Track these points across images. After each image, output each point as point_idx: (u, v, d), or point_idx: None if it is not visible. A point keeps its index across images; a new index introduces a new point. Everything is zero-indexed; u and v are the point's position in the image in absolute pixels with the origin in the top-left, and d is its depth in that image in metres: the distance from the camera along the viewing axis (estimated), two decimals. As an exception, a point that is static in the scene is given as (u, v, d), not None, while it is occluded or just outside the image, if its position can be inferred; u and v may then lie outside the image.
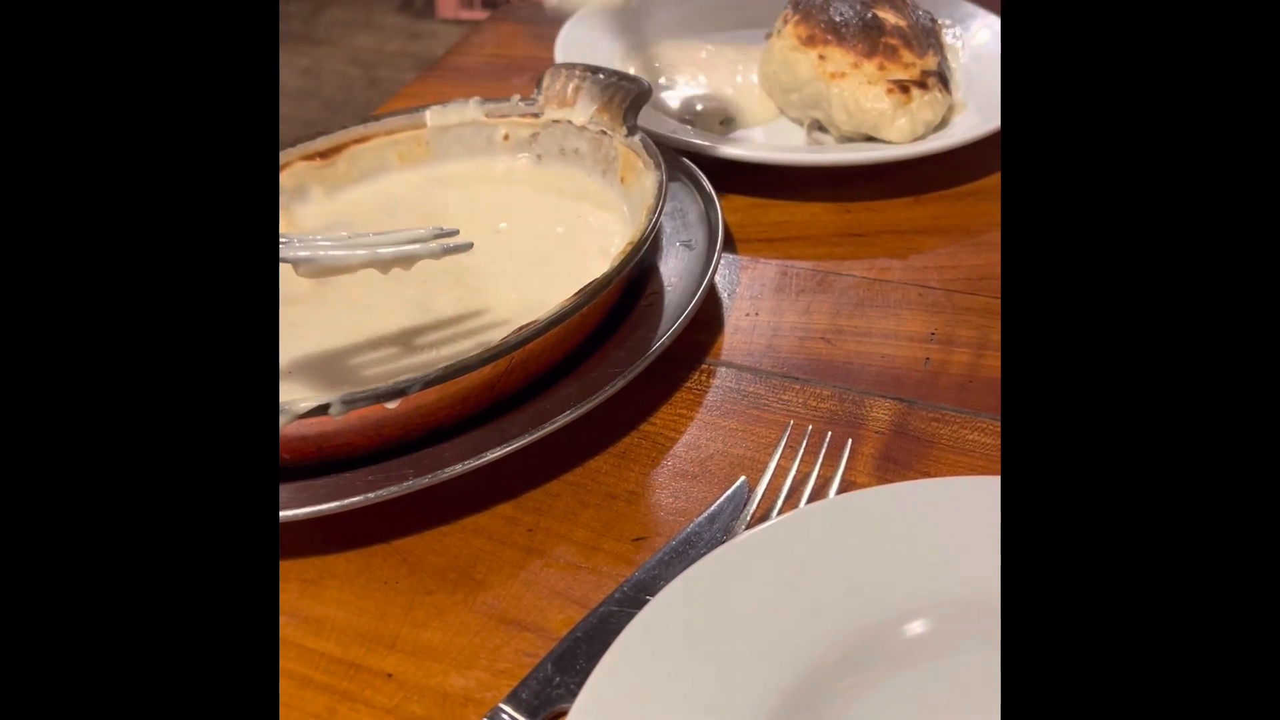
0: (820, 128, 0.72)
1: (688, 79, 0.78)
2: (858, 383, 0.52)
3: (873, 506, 0.40)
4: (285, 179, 0.61)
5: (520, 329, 0.45)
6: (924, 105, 0.68)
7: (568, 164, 0.63)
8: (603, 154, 0.61)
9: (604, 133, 0.60)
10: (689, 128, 0.72)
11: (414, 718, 0.38)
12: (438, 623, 0.41)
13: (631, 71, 0.72)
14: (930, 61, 0.70)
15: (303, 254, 0.46)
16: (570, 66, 0.65)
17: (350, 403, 0.42)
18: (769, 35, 0.75)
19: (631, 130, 0.60)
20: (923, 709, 0.36)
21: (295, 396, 0.42)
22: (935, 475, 0.46)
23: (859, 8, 0.71)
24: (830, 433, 0.48)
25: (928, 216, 0.65)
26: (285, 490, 0.43)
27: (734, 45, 0.81)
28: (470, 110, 0.64)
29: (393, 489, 0.43)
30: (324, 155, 0.62)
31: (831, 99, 0.69)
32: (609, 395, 0.47)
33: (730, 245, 0.63)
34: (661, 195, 0.54)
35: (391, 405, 0.43)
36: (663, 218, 0.57)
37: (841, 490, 0.45)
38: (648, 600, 0.37)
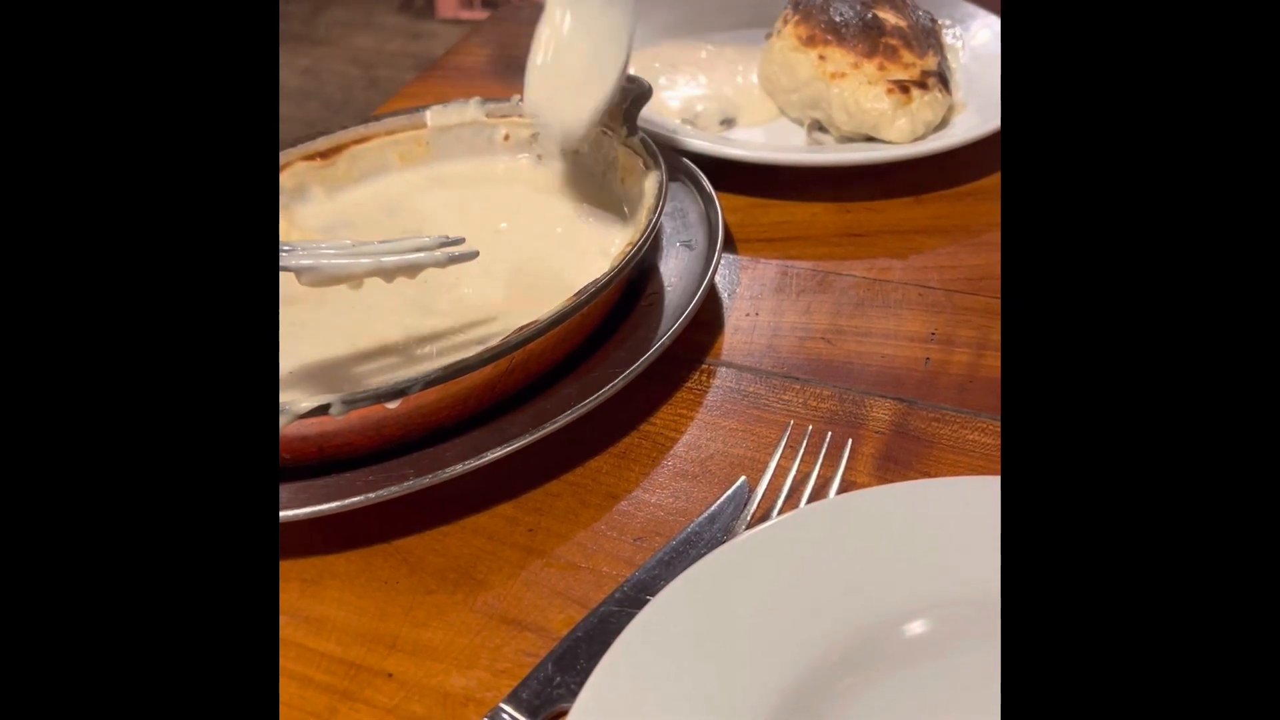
0: (820, 128, 0.72)
1: (688, 79, 0.78)
2: (858, 383, 0.52)
3: (873, 506, 0.40)
4: (286, 179, 0.61)
5: (521, 329, 0.45)
6: (924, 105, 0.68)
7: (568, 164, 0.63)
8: (603, 154, 0.61)
9: (604, 133, 0.60)
10: (689, 128, 0.72)
11: (415, 717, 0.38)
12: (438, 622, 0.41)
13: (631, 71, 0.72)
14: (930, 62, 0.70)
15: (306, 262, 0.46)
16: (570, 66, 0.65)
17: (351, 403, 0.42)
18: (769, 35, 0.76)
19: (631, 130, 0.60)
20: (923, 709, 0.36)
21: (295, 396, 0.42)
22: (935, 475, 0.46)
23: (859, 8, 0.71)
24: (830, 433, 0.48)
25: (928, 216, 0.65)
26: (285, 490, 0.43)
27: (734, 45, 0.81)
28: (471, 110, 0.64)
29: (393, 489, 0.43)
30: (324, 155, 0.62)
31: (831, 99, 0.69)
32: (609, 395, 0.47)
33: (730, 245, 0.63)
34: (661, 195, 0.54)
35: (392, 405, 0.43)
36: (663, 218, 0.57)
37: (841, 490, 0.45)
38: (648, 600, 0.37)
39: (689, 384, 0.52)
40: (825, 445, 0.47)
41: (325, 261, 0.46)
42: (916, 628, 0.37)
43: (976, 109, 0.71)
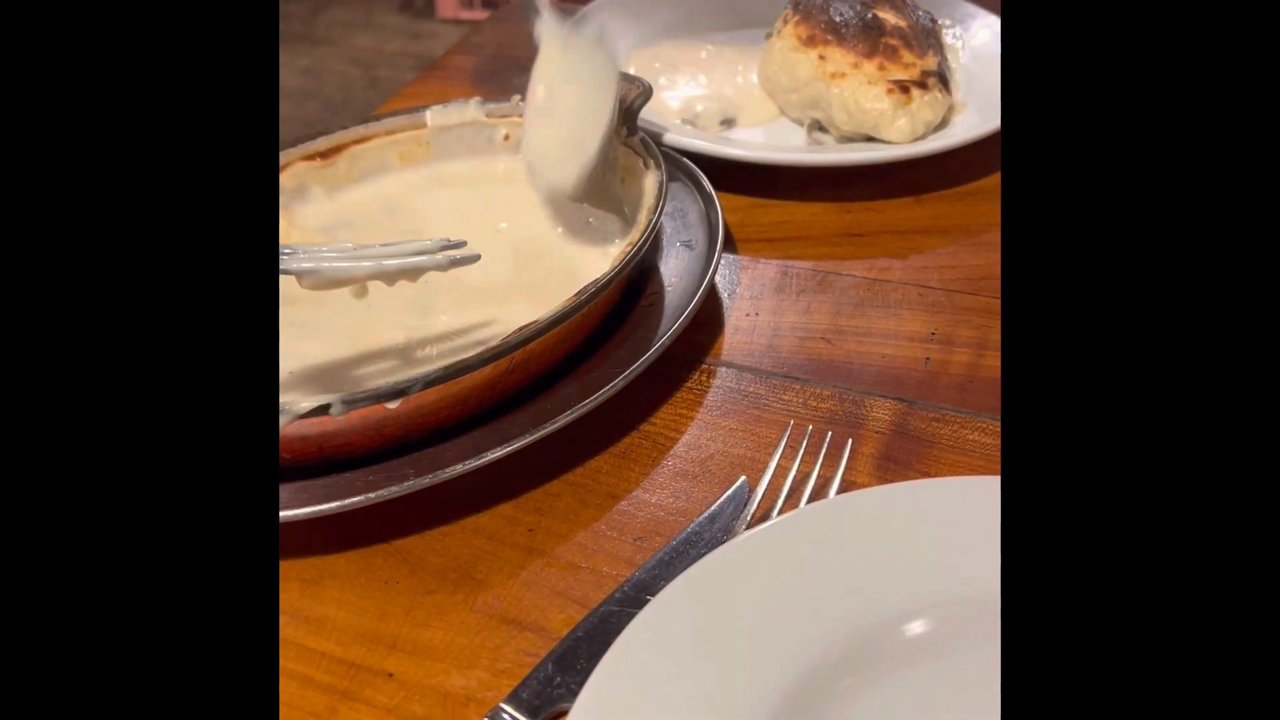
0: (820, 128, 0.72)
1: (688, 79, 0.78)
2: (858, 383, 0.52)
3: (873, 506, 0.40)
4: (286, 179, 0.61)
5: (521, 329, 0.45)
6: (924, 105, 0.68)
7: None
8: (603, 154, 0.61)
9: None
10: (689, 128, 0.72)
11: (415, 717, 0.38)
12: (438, 622, 0.41)
13: (631, 71, 0.72)
14: (930, 62, 0.70)
15: (307, 266, 0.46)
16: (570, 66, 0.65)
17: (351, 403, 0.42)
18: (769, 35, 0.76)
19: (632, 130, 0.60)
20: (923, 709, 0.36)
21: (295, 396, 0.42)
22: (935, 475, 0.46)
23: (859, 8, 0.71)
24: (830, 433, 0.48)
25: (928, 216, 0.65)
26: (285, 490, 0.43)
27: (734, 45, 0.81)
28: (471, 110, 0.64)
29: (393, 489, 0.43)
30: (324, 155, 0.62)
31: (831, 99, 0.69)
32: (609, 395, 0.47)
33: (730, 245, 0.63)
34: (661, 195, 0.54)
35: (392, 405, 0.43)
36: (663, 218, 0.57)
37: (841, 490, 0.45)
38: (648, 600, 0.37)
39: (689, 384, 0.52)
40: (825, 445, 0.47)
41: (326, 265, 0.46)
42: (916, 628, 0.37)
43: (976, 109, 0.71)
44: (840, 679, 0.36)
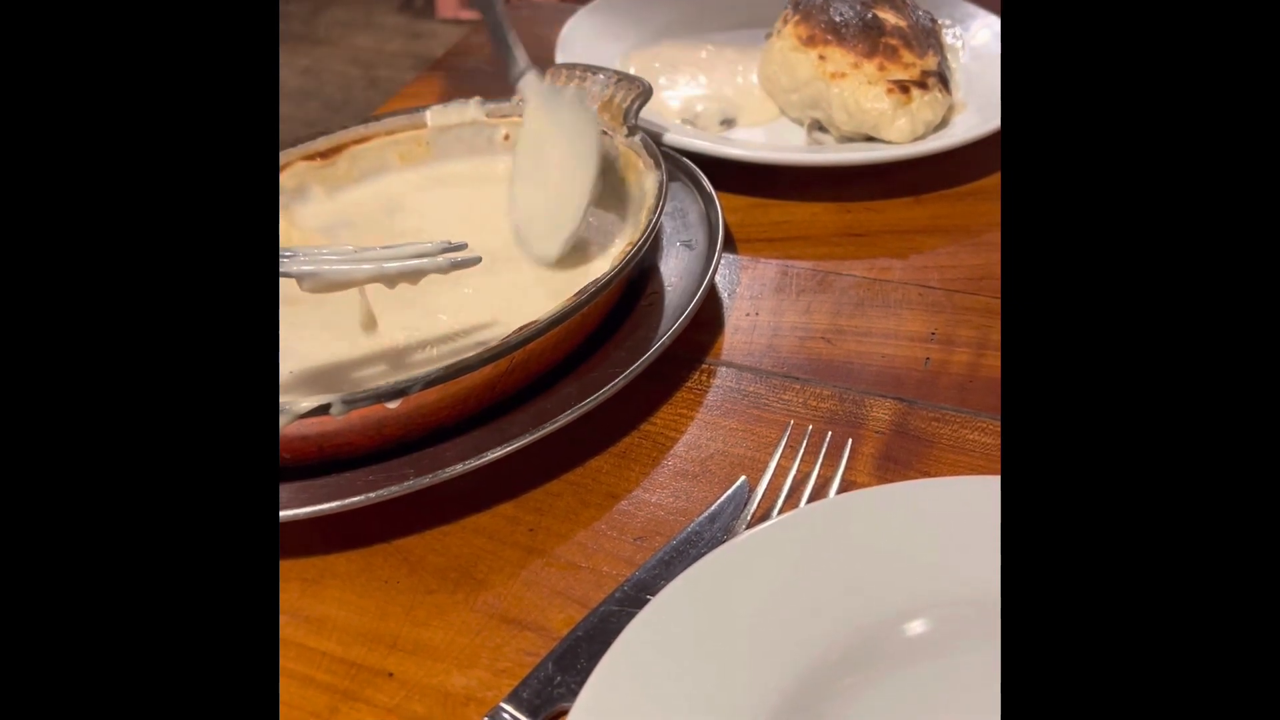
0: (820, 128, 0.72)
1: (688, 79, 0.78)
2: (858, 383, 0.52)
3: (873, 506, 0.40)
4: (286, 179, 0.61)
5: (521, 329, 0.45)
6: (924, 105, 0.68)
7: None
8: (603, 154, 0.61)
9: (604, 133, 0.61)
10: (689, 128, 0.72)
11: (415, 717, 0.38)
12: (439, 622, 0.41)
13: (631, 71, 0.72)
14: (930, 62, 0.70)
15: (308, 268, 0.46)
16: (570, 66, 0.65)
17: (351, 402, 0.42)
18: (769, 35, 0.76)
19: (632, 130, 0.60)
20: (923, 709, 0.36)
21: (295, 396, 0.42)
22: (935, 475, 0.46)
23: (859, 8, 0.71)
24: (830, 432, 0.48)
25: (928, 216, 0.65)
26: (285, 490, 0.43)
27: (734, 45, 0.81)
28: (471, 110, 0.64)
29: (393, 489, 0.43)
30: (324, 155, 0.62)
31: (831, 99, 0.69)
32: (609, 395, 0.47)
33: (730, 245, 0.63)
34: (662, 195, 0.54)
35: (392, 405, 0.43)
36: (663, 218, 0.57)
37: (842, 490, 0.45)
38: (648, 600, 0.37)
39: (689, 384, 0.52)
40: (825, 445, 0.47)
41: (327, 268, 0.46)
42: (916, 628, 0.37)
43: (976, 109, 0.71)
44: (840, 679, 0.36)
